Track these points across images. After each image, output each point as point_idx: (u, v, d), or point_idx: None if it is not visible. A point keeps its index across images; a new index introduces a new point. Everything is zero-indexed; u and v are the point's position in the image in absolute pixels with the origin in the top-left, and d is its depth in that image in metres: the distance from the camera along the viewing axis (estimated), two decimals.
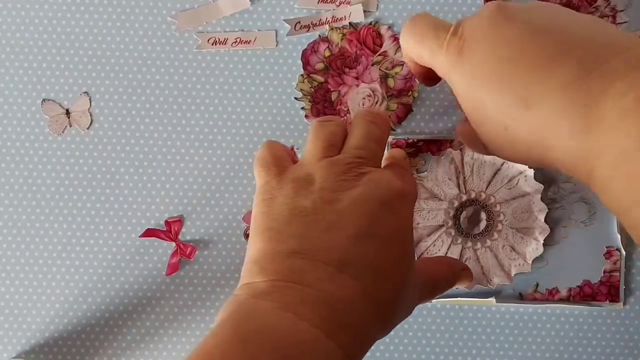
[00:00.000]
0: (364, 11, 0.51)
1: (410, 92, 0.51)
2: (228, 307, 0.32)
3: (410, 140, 0.51)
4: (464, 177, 0.51)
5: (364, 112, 0.39)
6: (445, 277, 0.41)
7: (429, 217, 0.51)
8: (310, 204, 0.34)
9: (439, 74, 0.37)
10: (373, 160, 0.37)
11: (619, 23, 0.50)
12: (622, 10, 0.50)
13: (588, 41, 0.31)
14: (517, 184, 0.50)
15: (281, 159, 0.37)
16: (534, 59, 0.32)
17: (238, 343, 0.29)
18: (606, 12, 0.50)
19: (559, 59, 0.31)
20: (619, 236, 0.50)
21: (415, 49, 0.38)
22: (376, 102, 0.51)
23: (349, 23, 0.51)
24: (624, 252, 0.50)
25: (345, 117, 0.51)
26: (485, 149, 0.38)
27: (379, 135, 0.38)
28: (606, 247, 0.51)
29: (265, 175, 0.36)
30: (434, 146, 0.51)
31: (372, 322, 0.32)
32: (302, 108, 0.51)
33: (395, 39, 0.51)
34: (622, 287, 0.51)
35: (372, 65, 0.51)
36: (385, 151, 0.50)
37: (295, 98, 0.52)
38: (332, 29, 0.51)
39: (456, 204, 0.51)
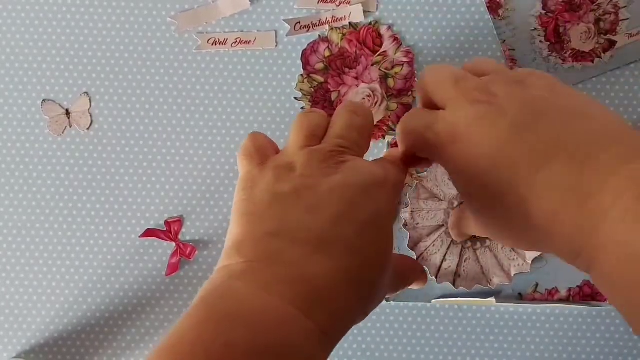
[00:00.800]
0: (364, 11, 0.51)
1: (410, 92, 0.51)
2: (203, 289, 0.32)
3: None
4: None
5: (346, 104, 0.39)
6: (413, 272, 0.41)
7: (429, 217, 0.51)
8: (291, 188, 0.34)
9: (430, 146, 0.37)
10: (354, 150, 0.37)
11: (622, 20, 0.50)
12: (624, 7, 0.50)
13: (579, 135, 0.32)
14: None
15: (264, 149, 0.37)
16: (525, 158, 0.32)
17: (212, 324, 0.29)
18: (608, 9, 0.50)
19: (550, 156, 0.32)
20: None
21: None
22: (376, 102, 0.51)
23: (349, 23, 0.51)
24: None
25: None
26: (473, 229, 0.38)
27: (361, 125, 0.38)
28: None
29: (247, 164, 0.37)
30: None
31: (350, 303, 0.33)
32: (302, 108, 0.51)
33: (395, 39, 0.51)
34: None
35: (372, 65, 0.51)
36: (385, 150, 0.50)
37: (295, 98, 0.51)
38: (332, 29, 0.51)
39: (456, 204, 0.51)
